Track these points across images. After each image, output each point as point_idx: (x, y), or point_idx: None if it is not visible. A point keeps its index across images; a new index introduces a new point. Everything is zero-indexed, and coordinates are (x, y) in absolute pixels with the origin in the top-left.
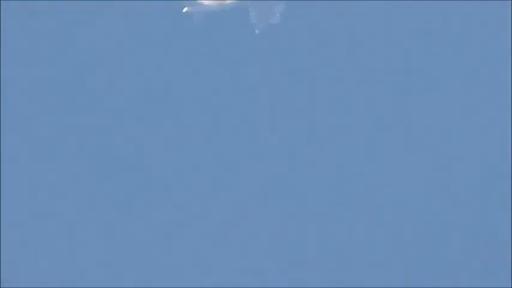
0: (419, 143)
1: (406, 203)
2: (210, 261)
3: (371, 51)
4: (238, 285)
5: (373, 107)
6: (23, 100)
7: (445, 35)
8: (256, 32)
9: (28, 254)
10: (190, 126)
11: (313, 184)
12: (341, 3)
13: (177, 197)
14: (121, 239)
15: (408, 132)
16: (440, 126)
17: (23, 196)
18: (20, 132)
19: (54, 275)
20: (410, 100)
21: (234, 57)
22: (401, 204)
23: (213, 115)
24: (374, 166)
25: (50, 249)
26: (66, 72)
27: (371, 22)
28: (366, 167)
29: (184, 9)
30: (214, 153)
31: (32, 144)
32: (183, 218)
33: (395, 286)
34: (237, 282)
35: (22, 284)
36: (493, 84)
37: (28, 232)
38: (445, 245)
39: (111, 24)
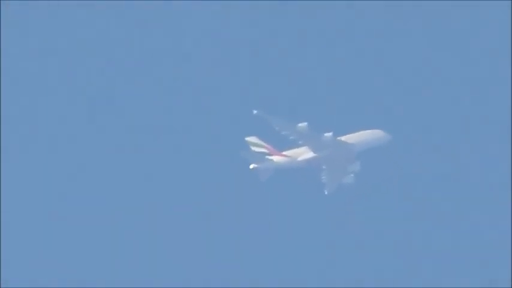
0: (419, 142)
1: (403, 202)
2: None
3: (370, 51)
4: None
5: (372, 107)
6: (22, 99)
7: (445, 34)
8: (326, 192)
9: (28, 254)
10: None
11: None
12: (340, 3)
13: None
14: (120, 240)
15: (407, 131)
16: (439, 126)
17: (23, 197)
18: (19, 132)
19: (54, 275)
20: (410, 99)
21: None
22: (398, 203)
23: None
24: (371, 165)
25: (50, 249)
26: (66, 72)
27: (371, 22)
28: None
29: (251, 166)
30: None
31: (32, 144)
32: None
33: (394, 286)
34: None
35: (22, 284)
36: (493, 84)
37: (28, 232)
38: (445, 244)
39: (110, 26)
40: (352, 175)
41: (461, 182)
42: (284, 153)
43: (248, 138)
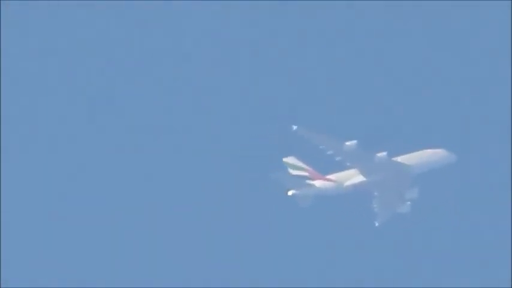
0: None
1: (470, 233)
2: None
3: (370, 51)
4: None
5: (371, 107)
6: (22, 99)
7: (445, 35)
8: (377, 224)
9: (28, 254)
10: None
11: None
12: (341, 3)
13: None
14: (121, 239)
15: (408, 130)
16: (439, 126)
17: (23, 197)
18: (19, 132)
19: (54, 275)
20: (410, 99)
21: None
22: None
23: None
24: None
25: (50, 249)
26: (66, 72)
27: (371, 22)
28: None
29: (290, 193)
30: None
31: (32, 144)
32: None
33: (391, 286)
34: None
35: (22, 284)
36: (493, 84)
37: (28, 232)
38: (445, 245)
39: (110, 26)
40: (409, 203)
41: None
42: (328, 176)
43: (285, 159)
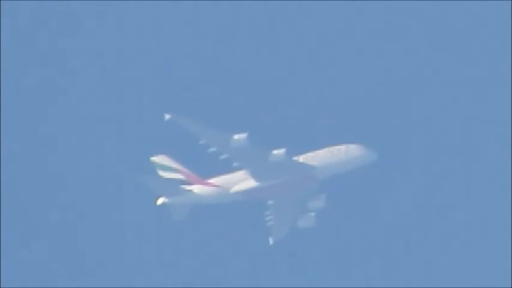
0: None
1: (402, 202)
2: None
3: (371, 51)
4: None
5: (371, 106)
6: (22, 99)
7: (445, 34)
8: (271, 241)
9: (28, 254)
10: None
11: None
12: (341, 3)
13: None
14: (122, 239)
15: (409, 130)
16: (439, 126)
17: (23, 197)
18: (19, 132)
19: (54, 275)
20: (409, 99)
21: None
22: (399, 204)
23: None
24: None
25: (50, 249)
26: (66, 72)
27: (371, 22)
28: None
29: (160, 201)
30: None
31: (32, 144)
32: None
33: (391, 286)
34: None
35: (22, 284)
36: (493, 84)
37: (28, 232)
38: (445, 244)
39: (110, 26)
40: (312, 214)
41: (460, 181)
42: (210, 180)
43: (154, 158)
